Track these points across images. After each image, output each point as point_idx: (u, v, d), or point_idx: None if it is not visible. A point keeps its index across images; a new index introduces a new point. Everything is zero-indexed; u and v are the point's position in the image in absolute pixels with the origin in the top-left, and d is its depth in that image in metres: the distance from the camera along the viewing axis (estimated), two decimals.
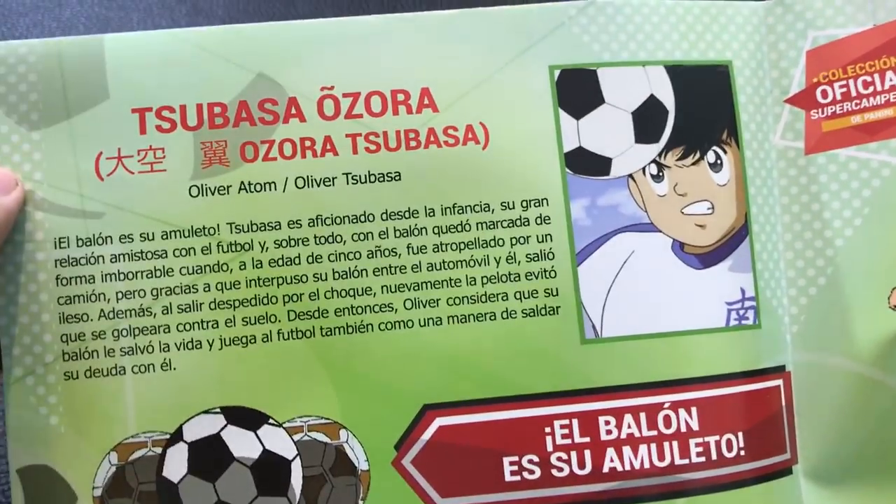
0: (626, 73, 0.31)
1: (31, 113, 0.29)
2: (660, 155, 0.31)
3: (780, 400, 0.30)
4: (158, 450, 0.29)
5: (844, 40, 0.31)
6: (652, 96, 0.31)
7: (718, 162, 0.31)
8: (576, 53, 0.31)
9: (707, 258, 0.30)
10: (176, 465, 0.29)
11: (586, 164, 0.30)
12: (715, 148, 0.31)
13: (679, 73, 0.31)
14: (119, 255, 0.29)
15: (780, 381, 0.30)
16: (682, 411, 0.29)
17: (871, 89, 0.30)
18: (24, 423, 0.28)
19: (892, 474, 0.30)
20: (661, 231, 0.30)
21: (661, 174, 0.31)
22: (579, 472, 0.29)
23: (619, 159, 0.30)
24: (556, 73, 0.30)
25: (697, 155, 0.31)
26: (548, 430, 0.29)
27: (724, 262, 0.30)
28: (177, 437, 0.29)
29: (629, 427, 0.29)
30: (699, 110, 0.31)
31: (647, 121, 0.31)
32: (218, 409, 0.29)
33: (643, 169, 0.31)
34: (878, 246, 0.30)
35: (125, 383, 0.29)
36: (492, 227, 0.30)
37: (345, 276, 0.29)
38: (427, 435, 0.29)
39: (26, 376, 0.28)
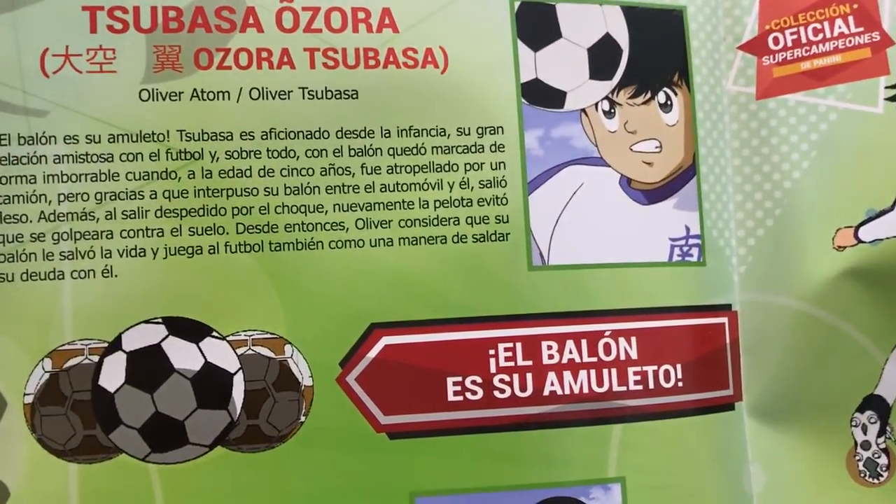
0: (584, 11, 0.36)
1: None
2: (612, 92, 0.36)
3: (724, 337, 0.37)
4: (95, 358, 0.32)
5: None
6: (607, 34, 0.37)
7: (668, 103, 0.37)
8: None
9: (653, 194, 0.36)
10: (113, 374, 0.32)
11: (542, 95, 0.36)
12: (666, 89, 0.37)
13: (635, 15, 0.37)
14: (63, 156, 0.32)
15: (724, 319, 0.37)
16: (622, 340, 0.35)
17: (820, 36, 0.37)
18: None
19: (831, 412, 0.36)
20: (609, 166, 0.36)
21: (612, 111, 0.36)
22: (520, 395, 0.34)
23: (574, 93, 0.36)
24: (516, 4, 0.36)
25: (648, 94, 0.37)
26: (492, 352, 0.34)
27: (670, 199, 0.36)
28: (115, 345, 0.32)
29: (570, 353, 0.35)
30: (652, 52, 0.37)
31: (601, 58, 0.36)
32: (160, 320, 0.33)
33: (596, 104, 0.36)
34: (824, 188, 0.36)
35: (63, 288, 0.32)
36: (447, 151, 0.35)
37: (296, 192, 0.34)
38: (373, 353, 0.34)
39: None
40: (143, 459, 0.32)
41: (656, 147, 0.36)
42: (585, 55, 0.35)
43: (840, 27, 0.35)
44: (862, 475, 0.36)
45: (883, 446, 0.36)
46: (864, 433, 0.36)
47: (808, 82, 0.36)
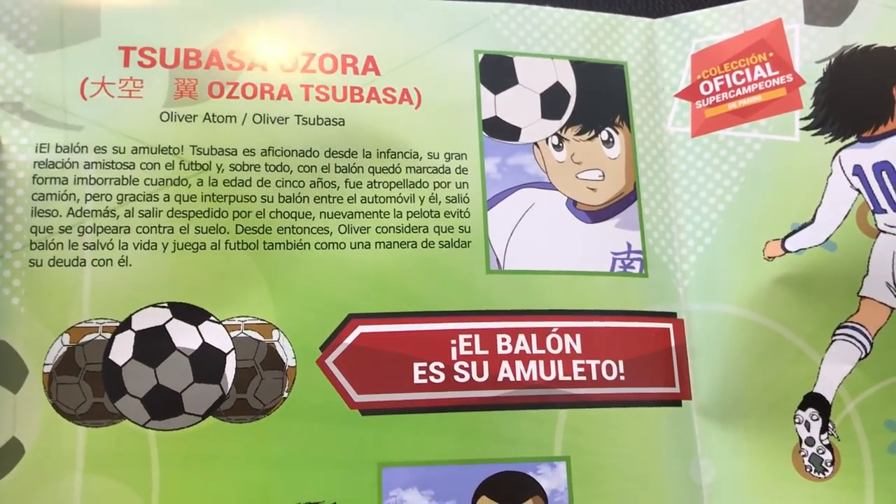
0: (537, 63, 0.44)
1: (28, 40, 0.40)
2: (561, 129, 0.44)
3: (669, 341, 0.42)
4: (108, 335, 0.38)
5: (721, 44, 0.45)
6: (557, 83, 0.44)
7: (611, 140, 0.44)
8: (497, 43, 0.44)
9: (596, 215, 0.43)
10: (122, 350, 0.38)
11: (500, 130, 0.43)
12: (608, 129, 0.44)
13: (581, 68, 0.45)
14: (92, 162, 0.40)
15: (669, 325, 0.43)
16: (567, 336, 0.41)
17: (743, 81, 0.44)
18: None
19: (775, 410, 0.40)
20: (557, 190, 0.43)
21: (560, 145, 0.44)
22: (477, 380, 0.40)
23: (527, 129, 0.44)
24: (480, 56, 0.44)
25: (592, 133, 0.44)
26: (453, 342, 0.40)
27: (612, 219, 0.43)
28: (126, 325, 0.39)
29: (521, 345, 0.41)
30: (596, 98, 0.45)
31: (552, 102, 0.44)
32: (165, 304, 0.39)
33: (546, 139, 0.44)
34: (753, 207, 0.42)
35: (84, 274, 0.39)
36: (419, 171, 0.42)
37: (289, 201, 0.41)
38: (349, 339, 0.40)
39: None
40: (143, 426, 0.37)
41: (599, 176, 0.43)
42: (538, 99, 0.43)
43: (759, 72, 0.43)
44: (808, 470, 0.40)
45: (826, 443, 0.40)
46: (808, 430, 0.40)
47: (735, 119, 0.43)
